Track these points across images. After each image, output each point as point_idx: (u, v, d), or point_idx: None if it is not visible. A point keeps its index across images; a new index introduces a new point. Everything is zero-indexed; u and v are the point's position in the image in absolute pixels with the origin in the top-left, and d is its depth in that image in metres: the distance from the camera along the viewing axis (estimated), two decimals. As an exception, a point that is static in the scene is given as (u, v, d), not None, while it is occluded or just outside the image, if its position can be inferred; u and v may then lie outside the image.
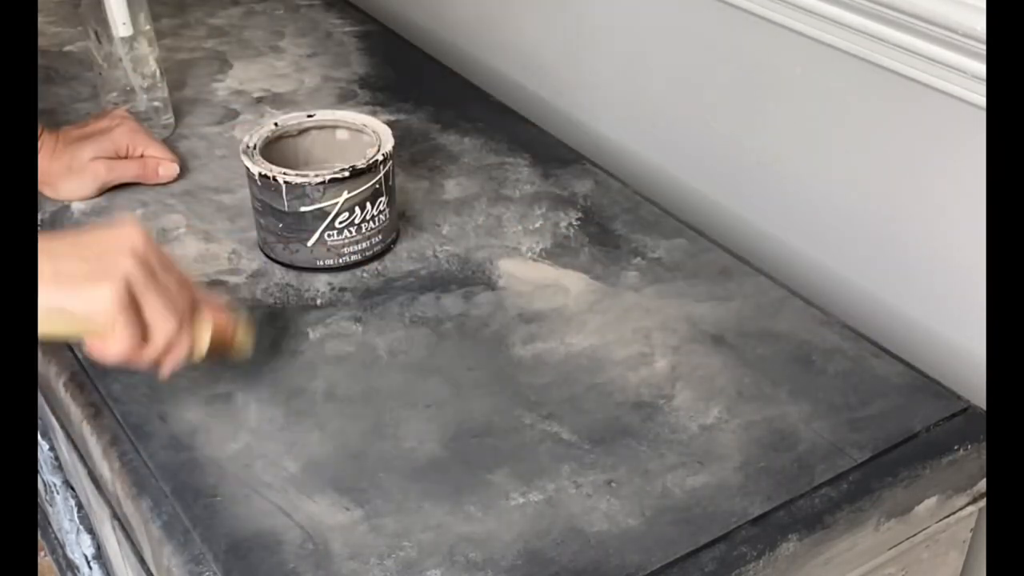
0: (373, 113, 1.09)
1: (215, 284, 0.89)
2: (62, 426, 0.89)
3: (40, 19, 1.31)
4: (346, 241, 0.89)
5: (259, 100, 1.16)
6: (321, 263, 0.89)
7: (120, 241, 0.68)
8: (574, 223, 0.96)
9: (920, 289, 0.88)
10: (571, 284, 0.89)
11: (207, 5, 1.38)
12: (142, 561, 0.76)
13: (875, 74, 0.84)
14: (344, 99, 1.16)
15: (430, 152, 1.07)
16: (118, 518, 0.80)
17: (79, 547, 1.05)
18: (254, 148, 0.89)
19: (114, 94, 1.07)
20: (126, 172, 1.00)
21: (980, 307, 0.82)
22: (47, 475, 1.07)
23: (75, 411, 0.79)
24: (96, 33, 1.04)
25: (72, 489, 1.02)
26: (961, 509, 0.78)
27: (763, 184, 0.99)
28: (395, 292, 0.88)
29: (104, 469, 0.76)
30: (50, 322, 0.65)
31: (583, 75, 1.16)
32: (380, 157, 0.88)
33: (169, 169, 1.01)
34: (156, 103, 1.08)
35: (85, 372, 0.80)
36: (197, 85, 1.19)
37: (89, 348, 0.69)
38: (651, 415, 0.76)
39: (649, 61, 1.07)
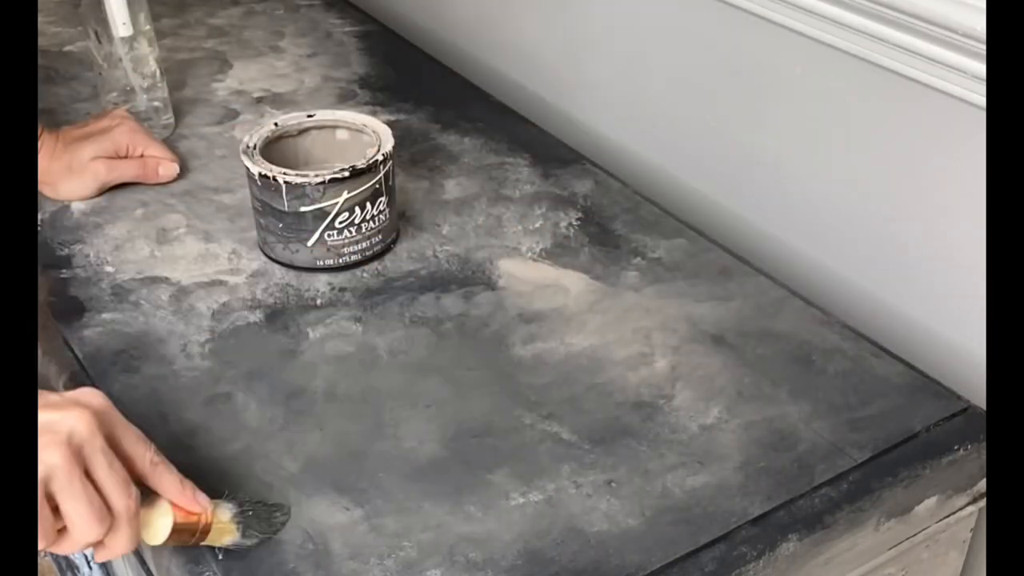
0: (373, 113, 1.09)
1: (215, 284, 0.89)
2: (62, 426, 0.89)
3: (40, 19, 1.31)
4: (346, 241, 0.89)
5: (259, 100, 1.16)
6: (321, 263, 0.89)
7: (58, 425, 0.58)
8: (574, 223, 0.96)
9: (920, 289, 0.88)
10: (571, 284, 0.89)
11: (207, 5, 1.38)
12: (142, 561, 0.76)
13: (875, 74, 0.84)
14: (344, 99, 1.16)
15: (430, 152, 1.07)
16: (118, 518, 0.80)
17: (79, 547, 1.05)
18: (254, 148, 0.89)
19: (114, 94, 1.07)
20: (126, 172, 1.00)
21: (980, 307, 0.82)
22: (47, 475, 1.07)
23: (75, 411, 0.79)
24: (96, 33, 1.04)
25: (72, 489, 1.02)
26: (961, 509, 0.78)
27: (763, 184, 0.99)
28: (395, 292, 0.88)
29: (104, 469, 0.76)
30: None
31: (583, 75, 1.16)
32: (380, 157, 0.88)
33: (169, 169, 1.01)
34: (156, 103, 1.08)
35: (85, 372, 0.80)
36: (197, 85, 1.19)
37: None
38: (651, 415, 0.76)
39: (649, 61, 1.07)
